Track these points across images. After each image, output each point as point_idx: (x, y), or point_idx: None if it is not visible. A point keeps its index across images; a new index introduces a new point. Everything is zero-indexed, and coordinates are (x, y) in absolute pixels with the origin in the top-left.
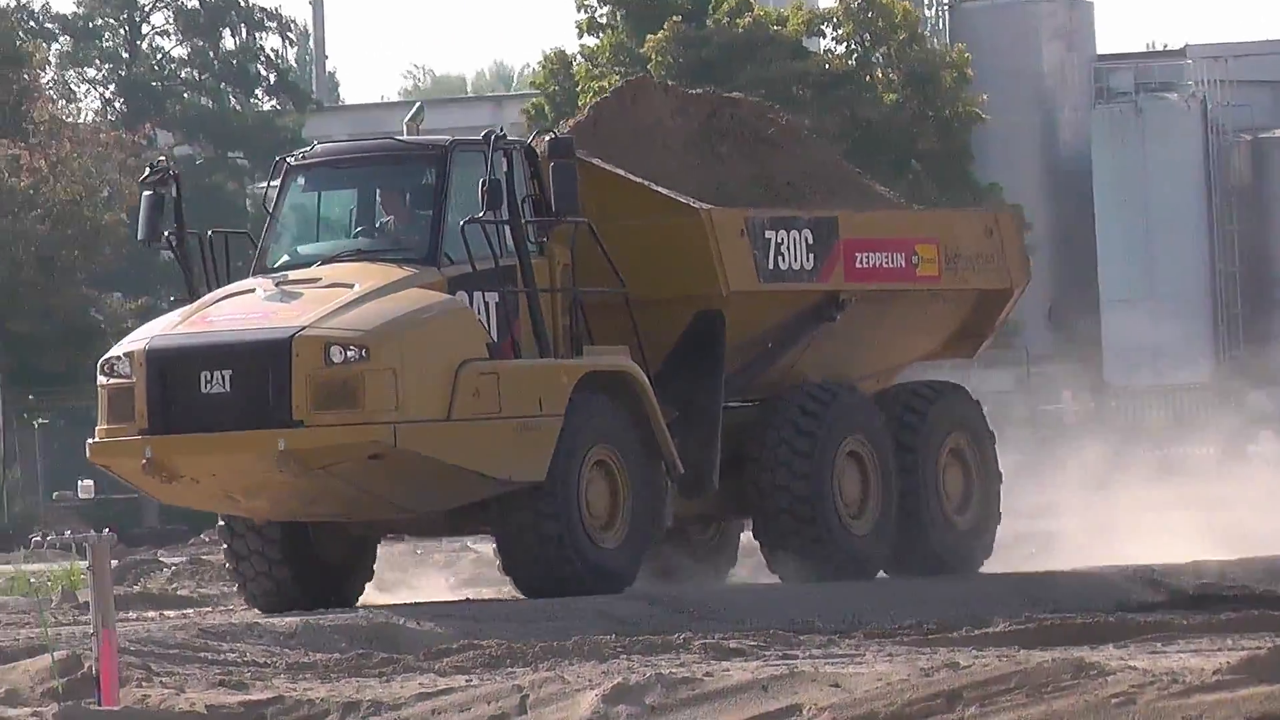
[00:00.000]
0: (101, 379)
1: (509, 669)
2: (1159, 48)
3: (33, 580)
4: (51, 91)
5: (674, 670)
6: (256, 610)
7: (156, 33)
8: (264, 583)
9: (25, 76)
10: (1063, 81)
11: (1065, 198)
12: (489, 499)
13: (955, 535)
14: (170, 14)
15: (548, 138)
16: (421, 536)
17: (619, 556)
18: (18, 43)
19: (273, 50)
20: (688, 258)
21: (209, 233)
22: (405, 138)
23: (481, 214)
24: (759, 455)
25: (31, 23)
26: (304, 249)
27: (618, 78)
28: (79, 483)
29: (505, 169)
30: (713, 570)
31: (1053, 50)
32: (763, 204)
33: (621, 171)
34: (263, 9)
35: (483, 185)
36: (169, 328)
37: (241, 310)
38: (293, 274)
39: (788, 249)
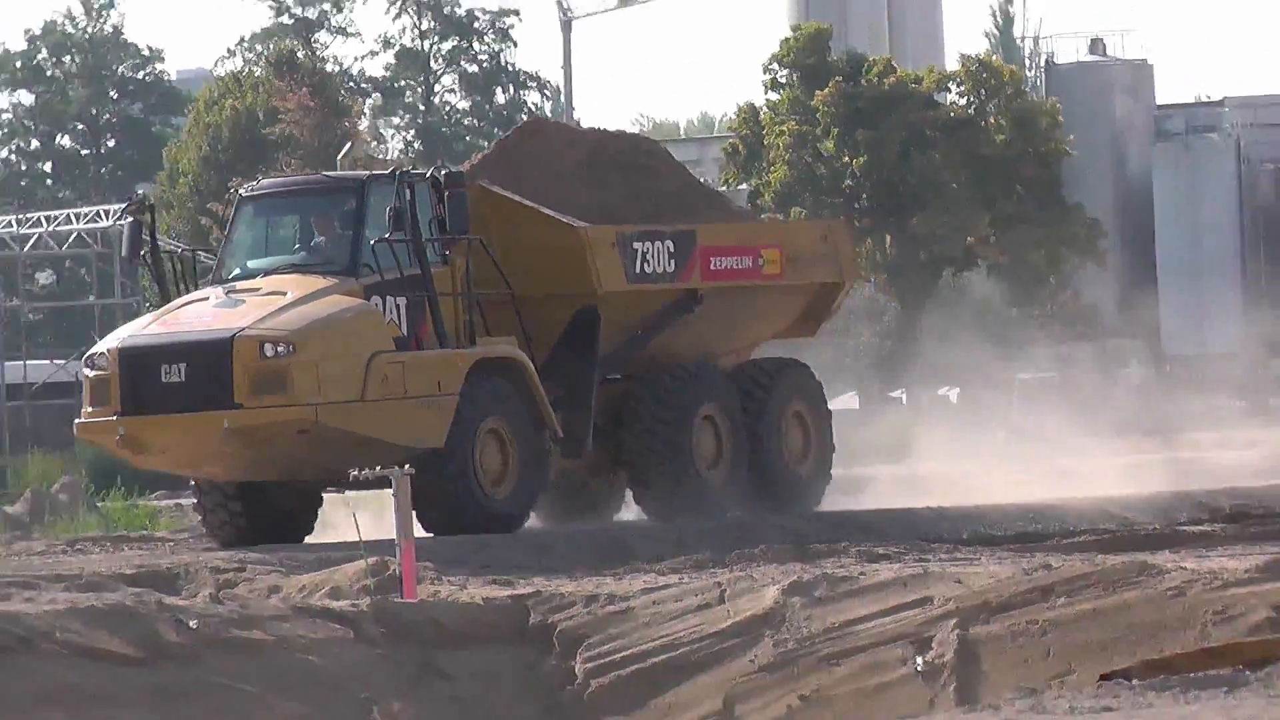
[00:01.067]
0: (86, 370)
1: (711, 570)
2: (1205, 99)
3: (348, 504)
4: (366, 135)
5: (836, 570)
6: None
7: (446, 90)
8: (227, 528)
9: (346, 124)
10: (1131, 125)
11: (1133, 213)
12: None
13: (795, 481)
14: (456, 77)
15: (444, 172)
16: (351, 490)
17: (509, 504)
18: (340, 98)
19: (533, 104)
20: (569, 265)
21: (180, 250)
22: (331, 173)
23: (388, 234)
24: (633, 419)
25: (350, 83)
26: (251, 263)
27: (794, 123)
28: None
29: (409, 197)
30: (604, 511)
31: (1123, 101)
32: (634, 220)
33: (516, 196)
34: (526, 73)
35: (390, 211)
36: (139, 329)
37: (196, 314)
38: (240, 284)
39: (653, 256)
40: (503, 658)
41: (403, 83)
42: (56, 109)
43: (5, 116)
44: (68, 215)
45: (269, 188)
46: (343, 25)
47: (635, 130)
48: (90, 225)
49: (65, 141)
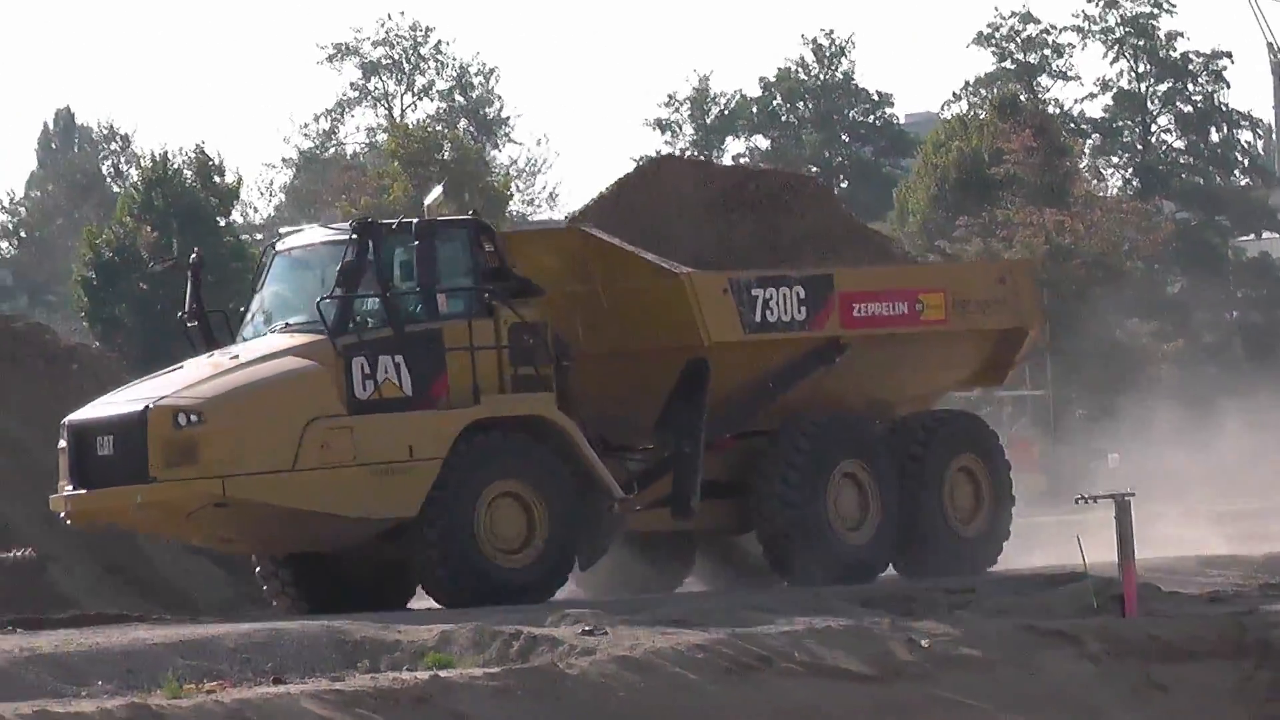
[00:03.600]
0: (60, 442)
1: None
2: None
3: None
4: (1086, 174)
5: None
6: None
7: (1162, 130)
8: (284, 600)
9: (1068, 163)
10: None
11: None
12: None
13: (960, 542)
14: (1171, 117)
15: (415, 223)
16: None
17: (531, 573)
18: (1062, 138)
19: (1246, 142)
20: (674, 313)
21: (231, 305)
22: (332, 225)
23: (331, 292)
24: (765, 477)
25: (1070, 124)
26: (263, 323)
27: None
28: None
29: (369, 252)
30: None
31: None
32: (763, 263)
33: (617, 241)
34: (1239, 112)
35: (341, 267)
36: (103, 399)
37: (153, 383)
38: (239, 346)
39: (776, 303)
40: (1219, 671)
41: (1120, 123)
42: (790, 153)
43: (742, 159)
44: None
45: (290, 240)
46: (1063, 69)
47: None
48: None
49: None
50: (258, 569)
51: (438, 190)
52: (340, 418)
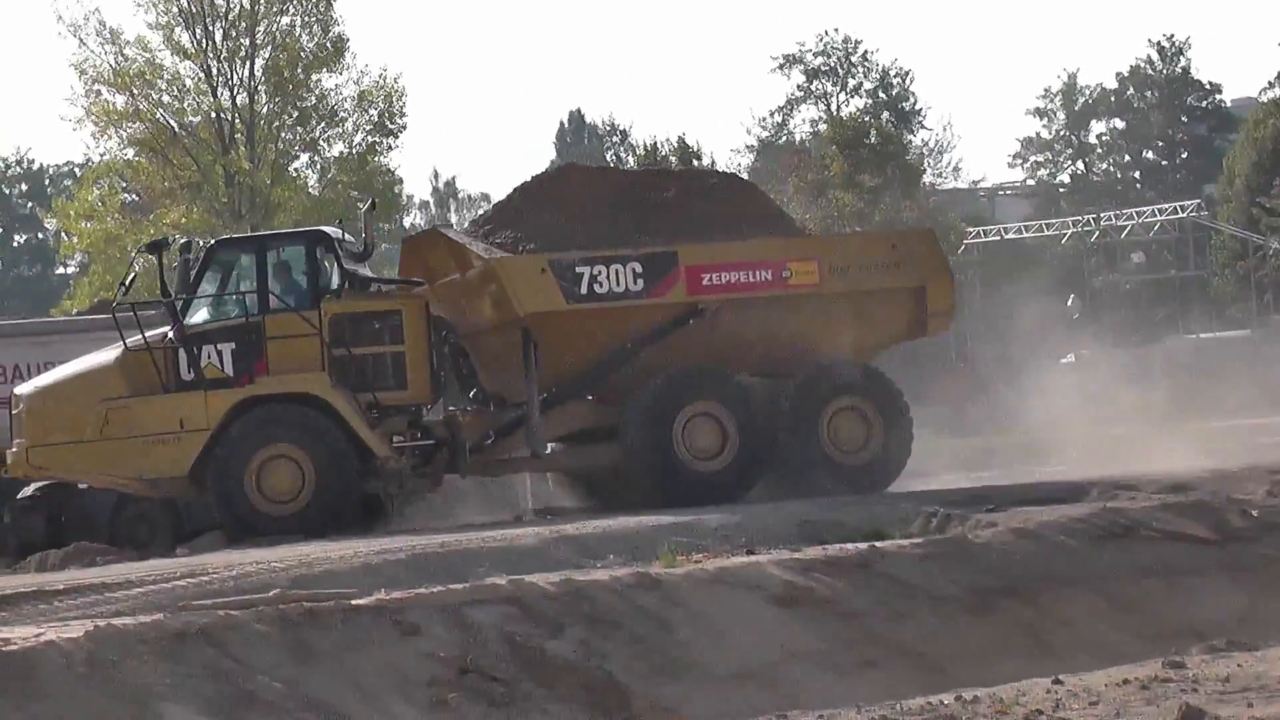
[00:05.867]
0: None
1: None
2: None
3: None
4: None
5: None
6: None
7: None
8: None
9: None
10: None
11: None
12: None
13: (847, 469)
14: None
15: (251, 238)
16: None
17: (300, 519)
18: None
19: None
20: (498, 292)
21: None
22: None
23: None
24: (621, 420)
25: None
26: None
27: None
28: None
29: (201, 262)
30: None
31: None
32: (608, 249)
33: (459, 238)
34: None
35: (127, 277)
36: None
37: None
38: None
39: (606, 278)
40: None
41: None
42: (1142, 132)
43: (1104, 138)
44: (1153, 210)
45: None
46: None
47: None
48: (1169, 217)
49: (1149, 155)
50: None
51: (368, 206)
52: (124, 399)
